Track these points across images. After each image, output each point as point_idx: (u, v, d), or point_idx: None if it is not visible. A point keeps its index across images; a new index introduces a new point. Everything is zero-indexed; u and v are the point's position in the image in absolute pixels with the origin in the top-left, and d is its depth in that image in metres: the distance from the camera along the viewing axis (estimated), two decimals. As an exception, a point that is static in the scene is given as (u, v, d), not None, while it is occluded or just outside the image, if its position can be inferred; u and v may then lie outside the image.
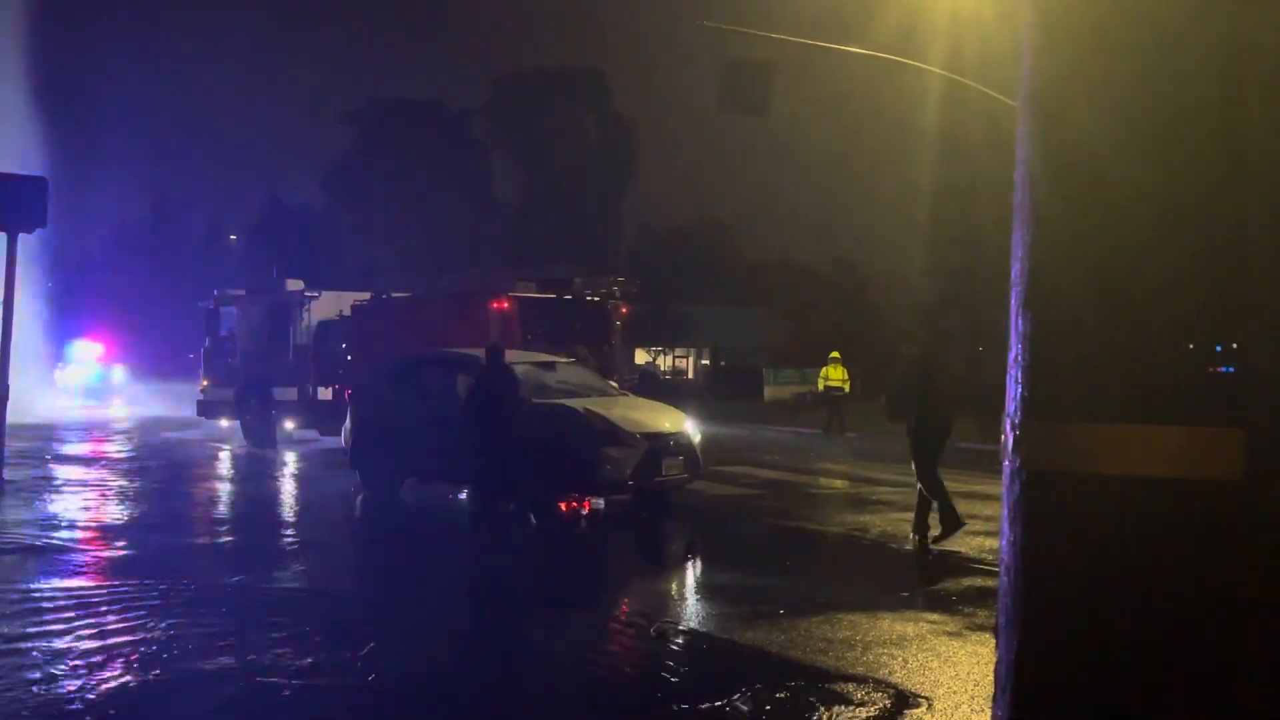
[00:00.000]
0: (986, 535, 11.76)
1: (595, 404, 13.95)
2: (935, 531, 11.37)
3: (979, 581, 9.62)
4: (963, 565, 10.34)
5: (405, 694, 6.52)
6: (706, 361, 61.62)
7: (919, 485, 11.49)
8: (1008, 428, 2.85)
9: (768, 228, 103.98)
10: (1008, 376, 2.86)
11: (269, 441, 22.85)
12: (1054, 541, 2.74)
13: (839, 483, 18.22)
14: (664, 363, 60.01)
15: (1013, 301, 2.87)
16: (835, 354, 27.81)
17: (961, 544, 11.27)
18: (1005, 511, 2.92)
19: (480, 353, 15.64)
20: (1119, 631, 2.62)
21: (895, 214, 39.54)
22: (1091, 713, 2.67)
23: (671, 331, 54.98)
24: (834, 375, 27.48)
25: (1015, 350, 2.82)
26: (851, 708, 6.18)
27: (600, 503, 14.17)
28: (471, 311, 19.74)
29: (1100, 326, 2.67)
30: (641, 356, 50.53)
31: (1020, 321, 2.81)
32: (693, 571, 11.03)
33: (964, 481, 16.49)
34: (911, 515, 13.36)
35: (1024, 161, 2.91)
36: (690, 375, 60.40)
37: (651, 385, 28.52)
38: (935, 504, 11.40)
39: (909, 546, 11.42)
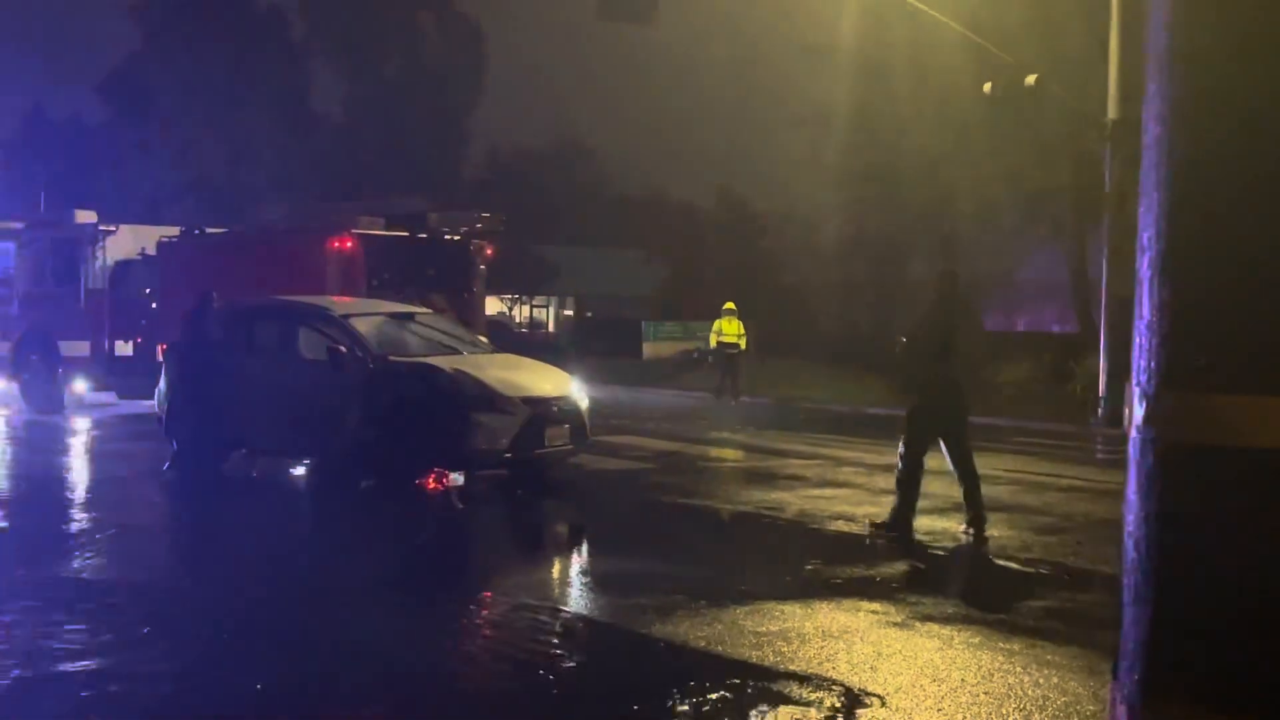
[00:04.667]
0: (918, 514, 12.22)
1: (465, 363, 14.06)
2: (884, 519, 11.47)
3: (918, 566, 10.07)
4: (896, 548, 10.76)
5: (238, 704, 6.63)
6: (570, 312, 61.76)
7: (955, 469, 11.34)
8: (1137, 397, 3.15)
9: (639, 156, 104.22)
10: (1135, 343, 3.16)
11: (55, 406, 22.40)
12: (1191, 515, 3.05)
13: (739, 454, 18.64)
14: (519, 313, 60.01)
15: (1143, 266, 3.16)
16: (730, 305, 28.24)
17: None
18: (1133, 484, 3.21)
19: (324, 301, 15.70)
20: (1261, 609, 2.95)
21: (792, 144, 40.07)
22: (1231, 693, 2.99)
23: (528, 276, 54.94)
24: (729, 330, 27.92)
25: (1148, 316, 3.11)
26: (798, 708, 6.49)
27: (460, 478, 14.31)
28: (305, 252, 19.61)
29: (1247, 296, 2.97)
30: (494, 306, 50.42)
31: (1158, 287, 3.09)
32: (589, 557, 11.26)
33: (881, 453, 17.09)
34: (830, 491, 13.83)
35: (1158, 120, 3.17)
36: (551, 328, 60.52)
37: (504, 340, 28.57)
38: (897, 494, 11.33)
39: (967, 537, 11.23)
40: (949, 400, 11.27)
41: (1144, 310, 3.14)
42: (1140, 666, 3.15)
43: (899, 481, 11.36)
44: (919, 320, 11.90)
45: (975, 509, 11.27)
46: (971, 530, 11.19)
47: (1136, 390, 3.18)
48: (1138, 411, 3.16)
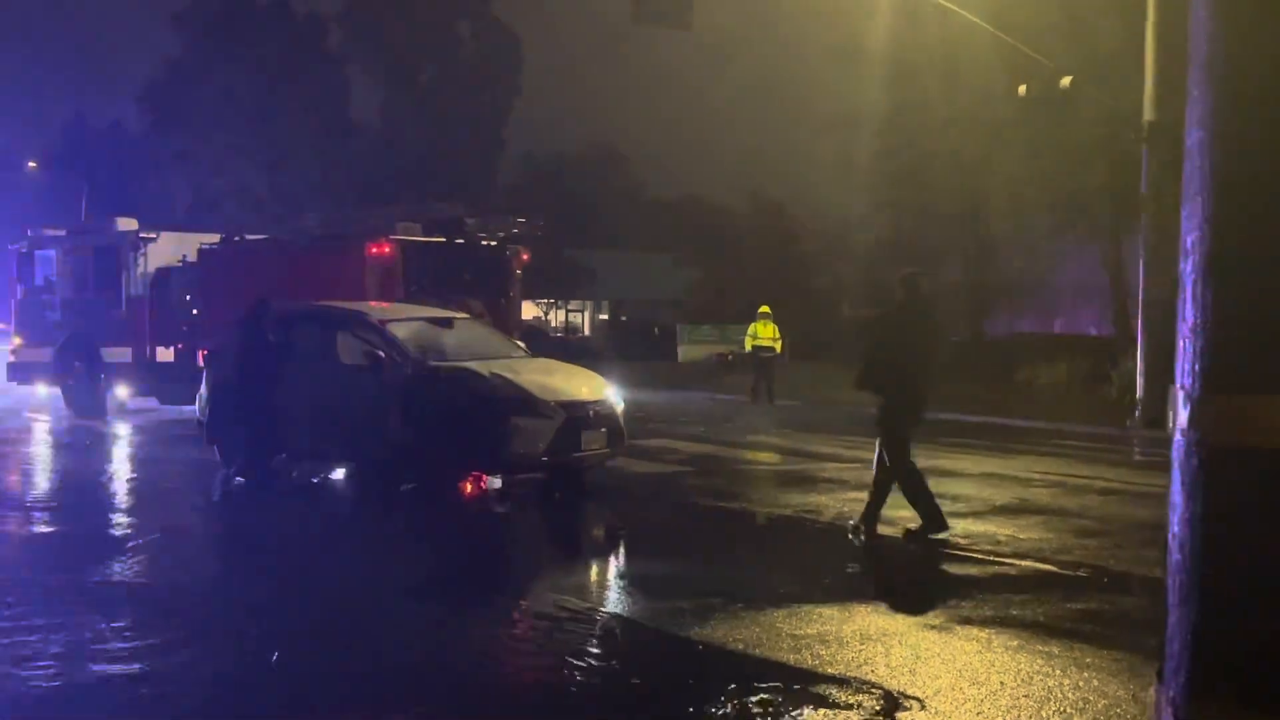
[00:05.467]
0: (956, 517, 12.16)
1: (503, 368, 14.08)
2: (913, 525, 11.36)
3: (956, 569, 10.01)
4: (934, 552, 10.71)
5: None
6: (605, 316, 61.82)
7: (876, 473, 11.38)
8: (1180, 400, 3.13)
9: (672, 160, 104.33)
10: (1179, 346, 3.15)
11: (97, 411, 22.59)
12: (1237, 517, 3.04)
13: (776, 457, 18.59)
14: (554, 318, 60.12)
15: (1187, 270, 3.16)
16: (765, 308, 28.18)
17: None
18: (1177, 486, 3.20)
19: (363, 307, 15.78)
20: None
21: (826, 147, 39.98)
22: (1275, 692, 2.97)
23: (563, 281, 55.04)
24: (764, 333, 27.86)
25: (1192, 320, 3.10)
26: (837, 711, 6.47)
27: (497, 482, 14.34)
28: (344, 258, 19.71)
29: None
30: (529, 310, 50.55)
31: (1202, 291, 3.09)
32: (627, 560, 11.25)
33: (917, 456, 16.98)
34: (868, 494, 13.76)
35: (1200, 125, 3.16)
36: (586, 332, 60.60)
37: (540, 345, 28.66)
38: (913, 503, 11.26)
39: (855, 540, 11.26)
40: (919, 405, 11.36)
41: (1187, 313, 3.14)
42: (1186, 668, 3.14)
43: (906, 492, 11.29)
44: (883, 322, 11.98)
45: (873, 513, 11.33)
46: (862, 530, 11.25)
47: (1180, 393, 3.17)
48: (1182, 414, 3.16)
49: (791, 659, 7.35)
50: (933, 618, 8.36)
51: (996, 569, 10.11)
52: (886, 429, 11.34)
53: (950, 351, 13.95)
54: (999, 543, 11.03)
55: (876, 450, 11.40)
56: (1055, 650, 7.49)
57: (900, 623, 8.25)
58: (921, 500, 11.26)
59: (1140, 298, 23.93)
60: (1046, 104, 26.08)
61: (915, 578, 9.71)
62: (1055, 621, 8.26)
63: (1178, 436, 3.22)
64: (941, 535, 11.08)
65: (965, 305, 37.90)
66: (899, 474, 11.29)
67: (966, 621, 8.24)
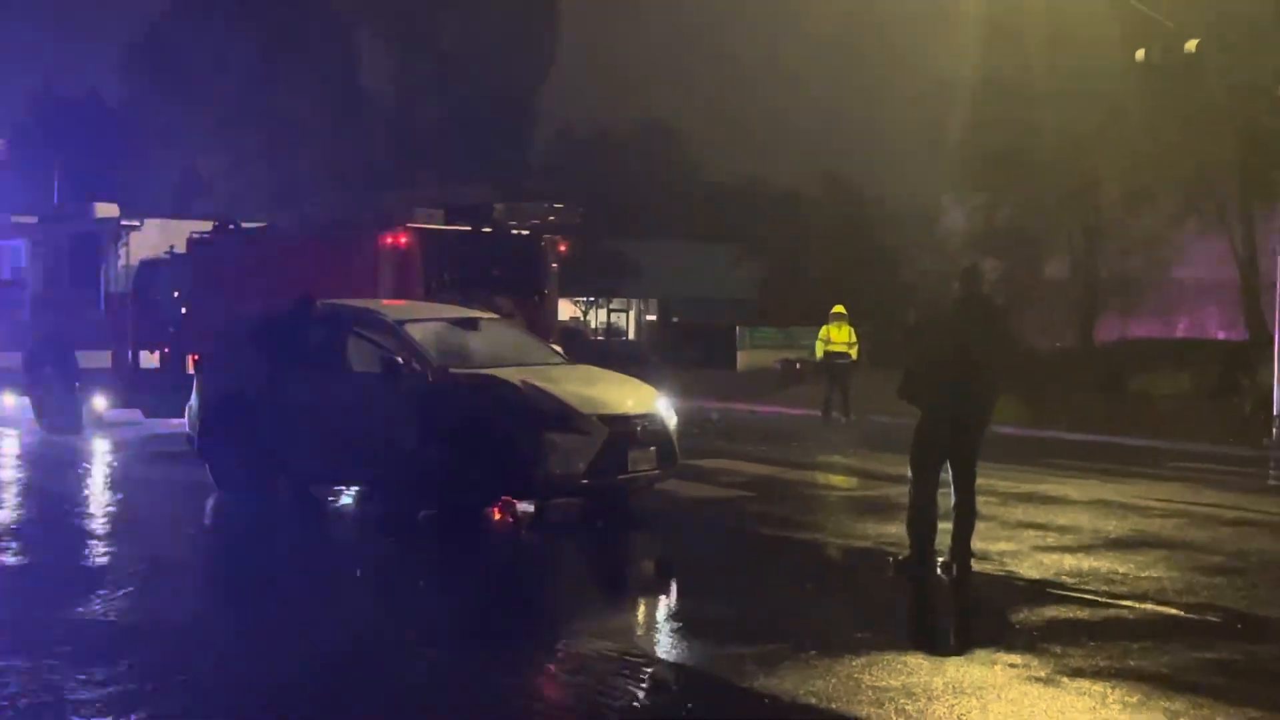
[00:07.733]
0: (1062, 551, 12.15)
1: (536, 375, 14.10)
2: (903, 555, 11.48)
3: (1064, 612, 9.94)
4: (1038, 591, 10.66)
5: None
6: (653, 317, 61.84)
7: (956, 496, 11.40)
8: None
9: (733, 139, 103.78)
10: None
11: (72, 424, 22.72)
12: None
13: (851, 481, 18.57)
14: (594, 318, 60.19)
15: None
16: (839, 309, 28.11)
17: (1033, 564, 11.62)
18: None
19: (376, 305, 15.87)
20: None
21: (911, 123, 39.86)
22: None
23: (605, 276, 55.07)
24: (838, 337, 27.79)
25: None
26: (926, 776, 6.46)
27: (530, 507, 14.34)
28: (355, 249, 19.78)
29: None
30: (566, 310, 50.64)
31: None
32: (680, 598, 11.25)
33: (1017, 480, 16.91)
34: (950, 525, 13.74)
35: None
36: (631, 335, 60.68)
37: (579, 349, 28.66)
38: (909, 527, 11.36)
39: (945, 577, 11.28)
40: (966, 420, 11.32)
41: None
42: None
43: (911, 520, 11.35)
44: (937, 321, 12.14)
45: (962, 548, 11.30)
46: (954, 568, 11.23)
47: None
48: None
49: (873, 714, 7.33)
50: (1037, 668, 8.31)
51: (1111, 612, 10.03)
52: (919, 439, 11.37)
53: (1014, 357, 13.77)
54: (1113, 582, 10.97)
55: (948, 472, 11.36)
56: (1180, 707, 7.43)
57: (999, 674, 8.20)
58: (919, 531, 11.30)
59: (1277, 295, 23.73)
60: (1168, 71, 25.88)
61: (1016, 621, 9.64)
62: (1180, 674, 8.20)
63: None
64: (919, 575, 11.17)
65: (1072, 305, 37.63)
66: (915, 493, 11.33)
67: (1077, 673, 8.19)
